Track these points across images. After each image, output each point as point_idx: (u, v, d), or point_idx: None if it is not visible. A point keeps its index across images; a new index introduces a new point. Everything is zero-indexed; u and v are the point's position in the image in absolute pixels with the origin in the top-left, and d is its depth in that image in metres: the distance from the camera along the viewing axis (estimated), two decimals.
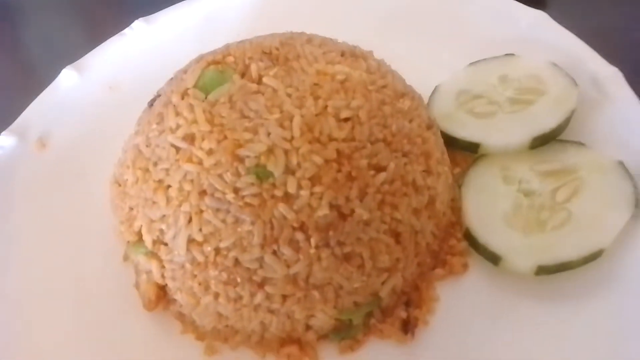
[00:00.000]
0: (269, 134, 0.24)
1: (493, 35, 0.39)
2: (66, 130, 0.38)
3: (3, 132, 0.36)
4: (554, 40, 0.36)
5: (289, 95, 0.25)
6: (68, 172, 0.36)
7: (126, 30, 0.43)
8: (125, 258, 0.31)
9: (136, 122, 0.31)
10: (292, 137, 0.24)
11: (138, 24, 0.43)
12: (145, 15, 0.44)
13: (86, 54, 0.42)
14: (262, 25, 0.40)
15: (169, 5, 0.44)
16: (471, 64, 0.37)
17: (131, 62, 0.41)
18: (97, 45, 0.42)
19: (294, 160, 0.23)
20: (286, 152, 0.24)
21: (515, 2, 0.40)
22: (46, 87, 0.40)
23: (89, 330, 0.30)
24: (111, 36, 0.43)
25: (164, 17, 0.44)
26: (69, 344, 0.29)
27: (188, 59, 0.38)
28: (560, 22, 0.37)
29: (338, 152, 0.24)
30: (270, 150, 0.23)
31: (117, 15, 0.43)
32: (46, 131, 0.37)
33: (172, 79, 0.30)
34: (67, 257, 0.33)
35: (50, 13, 0.52)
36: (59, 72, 0.40)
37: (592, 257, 0.26)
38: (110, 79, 0.41)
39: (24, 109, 0.39)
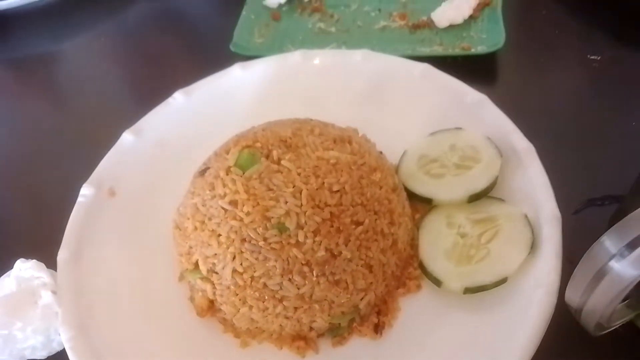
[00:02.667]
0: (286, 202, 0.35)
1: (447, 111, 0.48)
2: (129, 181, 0.47)
3: (84, 184, 0.46)
4: (490, 118, 0.45)
5: (299, 174, 0.37)
6: (132, 214, 0.46)
7: (169, 99, 0.53)
8: (180, 279, 0.43)
9: (190, 184, 0.43)
10: (301, 205, 0.35)
11: (178, 94, 0.54)
12: (184, 87, 0.53)
13: (139, 119, 0.51)
14: (271, 94, 0.53)
15: (203, 77, 0.54)
16: (431, 133, 0.47)
17: (174, 124, 0.51)
18: (147, 112, 0.52)
19: (302, 220, 0.35)
20: (297, 214, 0.35)
21: (464, 84, 0.48)
22: (111, 146, 0.50)
23: (156, 331, 0.40)
24: (157, 104, 0.52)
25: (199, 88, 0.54)
26: (141, 342, 0.39)
27: (217, 121, 0.51)
28: (501, 100, 0.47)
29: (331, 213, 0.36)
30: (287, 213, 0.35)
31: (161, 87, 0.54)
32: (115, 182, 0.47)
33: (217, 154, 0.42)
34: (135, 275, 0.43)
35: (105, 85, 0.64)
36: (118, 134, 0.50)
37: (501, 282, 0.36)
38: (160, 139, 0.50)
39: (96, 165, 0.48)
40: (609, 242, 0.26)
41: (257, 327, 0.38)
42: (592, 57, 0.55)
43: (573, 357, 0.37)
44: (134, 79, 0.65)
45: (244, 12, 0.64)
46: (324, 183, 0.36)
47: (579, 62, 0.56)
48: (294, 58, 0.54)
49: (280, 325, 0.37)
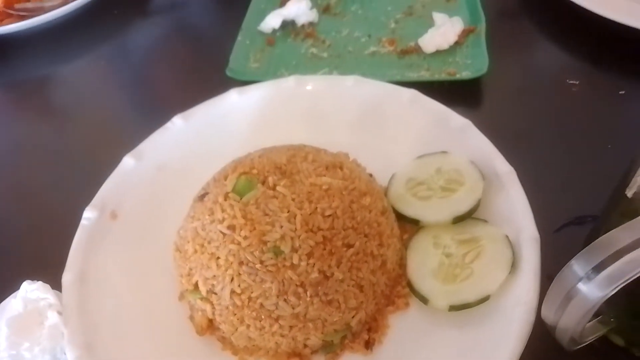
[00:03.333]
0: (281, 227, 0.38)
1: (434, 135, 0.51)
2: (130, 204, 0.49)
3: (87, 207, 0.48)
4: (473, 142, 0.47)
5: (293, 200, 0.39)
6: (134, 236, 0.48)
7: (168, 124, 0.55)
8: (181, 298, 0.45)
9: (190, 208, 0.45)
10: (296, 229, 0.37)
11: (176, 119, 0.56)
12: (182, 111, 0.55)
13: (138, 143, 0.53)
14: (266, 119, 0.56)
15: (200, 101, 0.56)
16: (418, 157, 0.50)
17: (173, 148, 0.53)
18: (146, 136, 0.53)
19: (296, 244, 0.37)
20: (292, 238, 0.37)
21: (449, 109, 0.51)
22: (112, 169, 0.51)
23: (158, 349, 0.41)
24: (156, 128, 0.54)
25: (196, 113, 0.56)
26: (142, 354, 0.41)
27: (214, 145, 0.53)
28: (485, 124, 0.50)
29: (323, 237, 0.38)
30: (282, 237, 0.38)
31: (160, 111, 0.56)
32: (116, 205, 0.49)
33: (216, 179, 0.44)
34: (137, 295, 0.45)
35: (105, 109, 0.66)
36: (118, 158, 0.52)
37: (483, 300, 0.38)
38: (159, 162, 0.52)
39: (97, 188, 0.49)
40: (576, 266, 0.28)
41: (254, 345, 0.40)
42: (571, 82, 0.59)
43: None
44: (133, 102, 0.67)
45: (239, 38, 0.67)
46: (317, 208, 0.39)
47: (558, 87, 0.59)
48: (288, 83, 0.57)
49: (277, 342, 0.39)
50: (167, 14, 0.81)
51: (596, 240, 0.28)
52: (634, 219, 0.28)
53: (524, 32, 0.65)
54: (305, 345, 0.39)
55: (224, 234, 0.39)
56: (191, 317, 0.43)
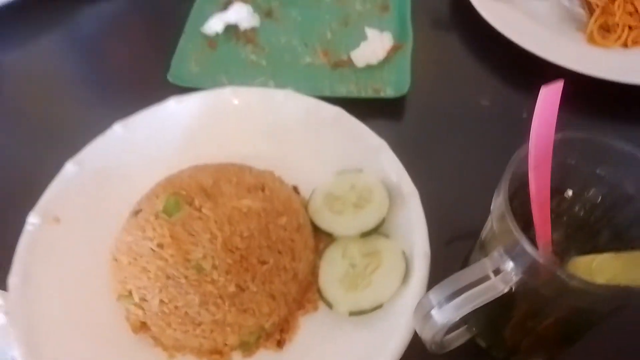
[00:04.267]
0: (204, 247, 0.43)
1: (352, 152, 0.56)
2: (72, 209, 0.53)
3: (31, 213, 0.52)
4: (385, 162, 0.52)
5: (215, 222, 0.45)
6: (75, 239, 0.52)
7: (109, 131, 0.58)
8: (118, 298, 0.51)
9: (126, 221, 0.50)
10: (216, 249, 0.44)
11: (117, 126, 0.60)
12: (122, 118, 0.58)
13: (81, 149, 0.56)
14: (202, 129, 0.60)
15: (140, 106, 0.59)
16: (338, 172, 0.56)
17: (112, 155, 0.57)
18: (88, 143, 0.56)
19: (216, 262, 0.43)
20: (212, 257, 0.43)
21: (368, 129, 0.55)
22: (53, 174, 0.54)
23: (97, 345, 0.46)
24: (96, 135, 0.57)
25: (136, 120, 0.60)
26: (84, 356, 0.46)
27: (152, 152, 0.58)
28: (401, 143, 0.55)
29: (241, 256, 0.44)
30: (204, 256, 0.43)
31: (100, 118, 0.58)
32: (59, 210, 0.52)
33: (149, 197, 0.49)
34: (78, 296, 0.51)
35: (43, 111, 0.67)
36: (58, 162, 0.55)
37: (377, 307, 0.45)
38: (100, 169, 0.56)
39: (39, 192, 0.53)
40: (432, 297, 0.35)
41: (181, 344, 0.46)
42: (483, 103, 0.65)
43: None
44: (73, 102, 0.68)
45: (181, 41, 0.70)
46: (236, 230, 0.45)
47: (471, 107, 0.65)
48: (225, 94, 0.61)
49: (200, 342, 0.45)
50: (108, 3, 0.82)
51: (447, 279, 0.35)
52: (473, 264, 0.35)
53: (448, 51, 0.70)
54: (225, 344, 0.46)
55: (154, 251, 0.44)
56: (127, 317, 0.48)
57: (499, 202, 0.34)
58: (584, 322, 0.38)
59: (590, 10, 0.69)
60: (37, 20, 0.78)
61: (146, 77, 0.69)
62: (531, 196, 0.35)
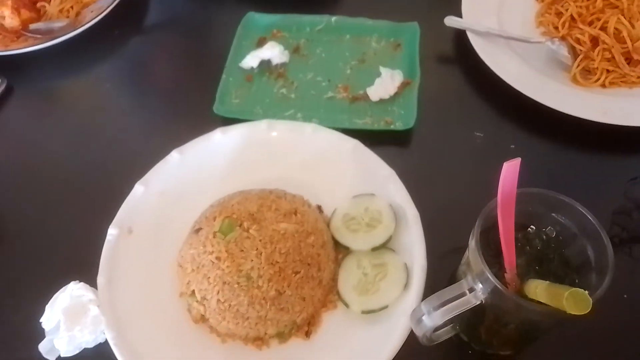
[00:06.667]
0: (252, 260, 0.57)
1: (366, 180, 0.69)
2: (142, 222, 0.66)
3: (111, 225, 0.67)
4: (393, 189, 0.64)
5: (260, 241, 0.58)
6: (146, 247, 0.66)
7: (168, 157, 0.71)
8: (181, 296, 0.65)
9: (188, 236, 0.63)
10: (261, 262, 0.57)
11: (174, 153, 0.74)
12: (178, 145, 0.71)
13: (145, 172, 0.69)
14: (244, 156, 0.73)
15: (193, 134, 0.71)
16: (354, 196, 0.68)
17: (171, 177, 0.69)
18: (150, 167, 0.69)
19: (261, 272, 0.57)
20: (258, 269, 0.57)
21: (380, 159, 0.68)
22: (124, 193, 0.67)
23: (167, 332, 0.60)
24: (156, 160, 0.70)
25: (190, 148, 0.74)
26: (158, 340, 0.60)
27: (204, 175, 0.71)
28: (408, 171, 0.67)
29: (279, 268, 0.57)
30: (252, 268, 0.57)
31: (158, 147, 0.71)
32: (132, 223, 0.66)
33: (207, 218, 0.63)
34: (149, 292, 0.66)
35: (109, 136, 0.80)
36: (127, 184, 0.67)
37: (384, 308, 0.57)
38: (162, 189, 0.69)
39: (114, 209, 0.66)
40: (423, 306, 0.48)
41: (232, 332, 0.60)
42: (477, 134, 0.77)
43: (423, 356, 0.60)
44: (134, 128, 0.81)
45: (224, 75, 0.82)
46: (276, 247, 0.58)
47: (467, 139, 0.77)
48: (261, 126, 0.74)
49: (247, 332, 0.59)
50: (163, 31, 0.94)
51: (435, 294, 0.48)
52: (453, 284, 0.48)
53: (450, 88, 0.82)
54: (265, 333, 0.60)
55: (213, 263, 0.58)
56: (189, 310, 0.62)
57: (472, 243, 0.46)
58: (535, 329, 0.51)
59: (575, 54, 0.79)
60: (95, 51, 0.91)
61: (194, 107, 0.81)
62: (500, 234, 0.47)
